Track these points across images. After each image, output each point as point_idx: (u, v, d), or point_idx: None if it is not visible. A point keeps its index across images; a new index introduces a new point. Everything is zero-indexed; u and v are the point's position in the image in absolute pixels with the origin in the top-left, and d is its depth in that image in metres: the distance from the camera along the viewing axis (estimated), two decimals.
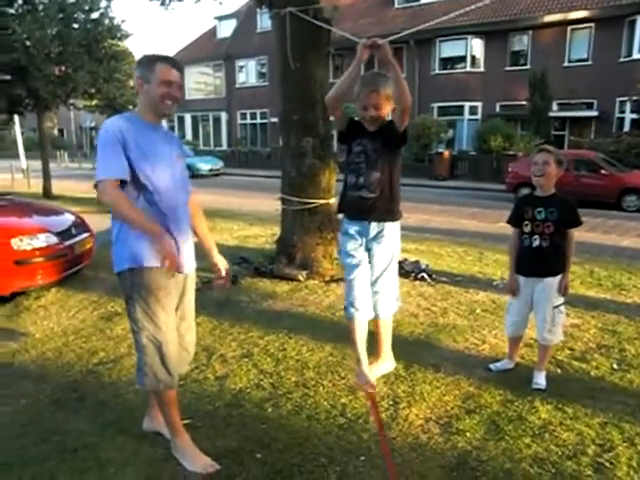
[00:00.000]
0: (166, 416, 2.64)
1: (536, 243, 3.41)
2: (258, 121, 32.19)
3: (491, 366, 3.76)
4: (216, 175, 25.08)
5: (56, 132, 46.42)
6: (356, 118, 2.80)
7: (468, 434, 2.89)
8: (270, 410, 3.13)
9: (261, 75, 31.89)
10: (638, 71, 18.68)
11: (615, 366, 3.81)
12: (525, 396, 3.30)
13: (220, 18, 34.19)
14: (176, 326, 2.62)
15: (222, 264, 2.90)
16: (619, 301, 5.46)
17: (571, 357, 3.97)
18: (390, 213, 2.73)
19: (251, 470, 2.58)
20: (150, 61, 2.54)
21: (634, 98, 19.12)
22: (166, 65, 2.54)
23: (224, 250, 7.50)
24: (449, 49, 24.18)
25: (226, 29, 33.50)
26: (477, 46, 23.73)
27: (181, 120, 35.54)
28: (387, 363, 2.98)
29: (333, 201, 6.16)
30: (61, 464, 2.66)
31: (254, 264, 6.44)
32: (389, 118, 2.73)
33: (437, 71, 24.27)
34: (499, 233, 10.20)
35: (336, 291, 5.55)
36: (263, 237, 8.54)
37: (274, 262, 6.29)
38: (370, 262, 2.76)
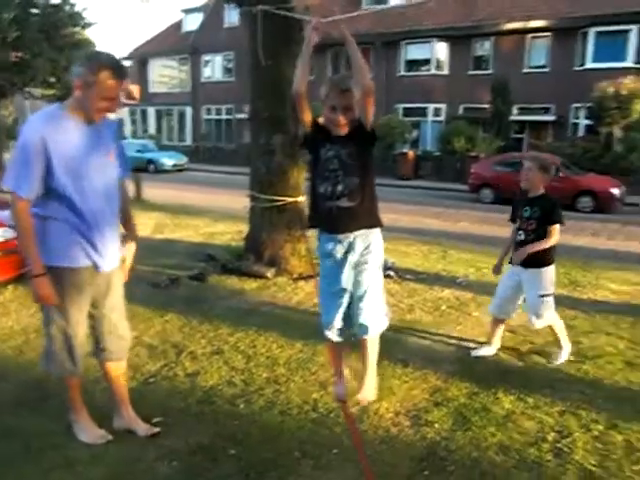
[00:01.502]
0: (69, 396, 2.82)
1: (521, 238, 3.83)
2: (223, 117, 31.91)
3: (472, 353, 4.01)
4: (180, 170, 24.82)
5: (11, 121, 44.94)
6: (320, 119, 2.60)
7: (436, 425, 2.99)
8: (242, 406, 3.15)
9: (227, 70, 31.62)
10: (591, 79, 19.36)
11: (572, 358, 3.99)
12: (489, 388, 3.43)
13: (187, 11, 33.74)
14: (107, 318, 2.72)
15: (128, 256, 2.81)
16: (575, 297, 5.69)
17: (531, 350, 4.13)
18: (374, 220, 2.56)
19: (225, 466, 2.60)
20: (95, 65, 2.36)
21: (588, 105, 19.83)
22: (112, 78, 2.37)
23: (190, 247, 7.59)
24: (415, 52, 24.55)
25: (192, 22, 33.04)
26: (442, 50, 24.17)
27: (144, 113, 34.95)
28: (370, 391, 2.75)
29: (302, 199, 6.21)
30: (27, 465, 2.62)
31: (221, 261, 6.43)
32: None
33: (403, 73, 24.59)
34: (462, 232, 10.46)
35: (304, 288, 5.60)
36: (229, 234, 8.52)
37: (242, 259, 6.30)
38: (355, 283, 2.55)
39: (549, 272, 3.84)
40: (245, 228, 6.64)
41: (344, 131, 2.49)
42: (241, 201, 6.46)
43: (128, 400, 2.92)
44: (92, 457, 2.65)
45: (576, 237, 10.50)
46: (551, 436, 2.93)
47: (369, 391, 2.74)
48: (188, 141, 33.04)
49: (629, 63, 20.06)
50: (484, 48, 23.71)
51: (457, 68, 23.93)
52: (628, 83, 18.38)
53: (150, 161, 24.33)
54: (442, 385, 3.48)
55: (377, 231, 2.58)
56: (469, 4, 23.81)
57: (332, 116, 2.47)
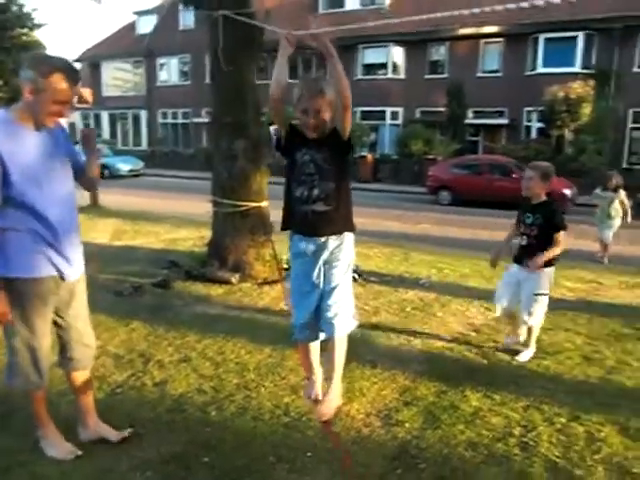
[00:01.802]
0: (35, 411, 2.74)
1: (524, 242, 4.08)
2: (180, 121, 31.55)
3: (506, 341, 4.35)
4: (136, 176, 24.38)
5: None
6: (294, 122, 2.62)
7: (407, 424, 3.04)
8: (214, 413, 3.13)
9: (183, 74, 31.28)
10: (542, 84, 20.06)
11: (533, 355, 4.12)
12: (457, 386, 3.51)
13: (140, 13, 33.19)
14: (73, 327, 2.68)
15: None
16: None
17: (496, 348, 4.25)
18: (348, 224, 2.58)
19: (198, 474, 2.58)
20: (45, 68, 2.29)
21: (539, 109, 20.52)
22: (64, 81, 2.31)
23: (151, 253, 7.48)
24: (371, 56, 24.86)
25: (146, 25, 32.51)
26: (398, 54, 24.57)
27: (97, 118, 34.20)
28: (336, 396, 2.64)
29: (265, 204, 6.21)
30: None
31: (185, 267, 6.36)
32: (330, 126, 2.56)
33: (360, 76, 24.83)
34: (422, 234, 10.65)
35: (270, 293, 5.60)
36: (192, 240, 8.42)
37: (206, 265, 6.24)
38: (325, 279, 2.55)
39: (548, 274, 4.05)
40: (207, 234, 6.59)
41: (315, 134, 2.50)
42: (202, 206, 6.41)
43: (94, 410, 2.86)
44: (62, 473, 2.58)
45: None
46: (517, 431, 3.03)
47: (335, 399, 2.64)
48: (144, 145, 32.51)
49: (577, 68, 20.84)
50: (439, 53, 24.24)
51: (413, 72, 24.36)
52: (576, 88, 19.11)
53: (105, 166, 23.77)
54: (411, 385, 3.54)
55: (350, 235, 2.60)
56: (425, 10, 24.25)
57: (303, 119, 2.48)
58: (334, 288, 2.54)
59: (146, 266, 6.63)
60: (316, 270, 2.55)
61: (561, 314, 5.18)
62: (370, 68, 25.25)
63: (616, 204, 8.61)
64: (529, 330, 4.20)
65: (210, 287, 5.75)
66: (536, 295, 4.05)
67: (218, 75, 5.99)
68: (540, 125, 21.21)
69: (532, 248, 3.95)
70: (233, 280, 5.89)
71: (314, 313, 2.60)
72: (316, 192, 2.48)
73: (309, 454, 2.72)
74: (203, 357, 3.93)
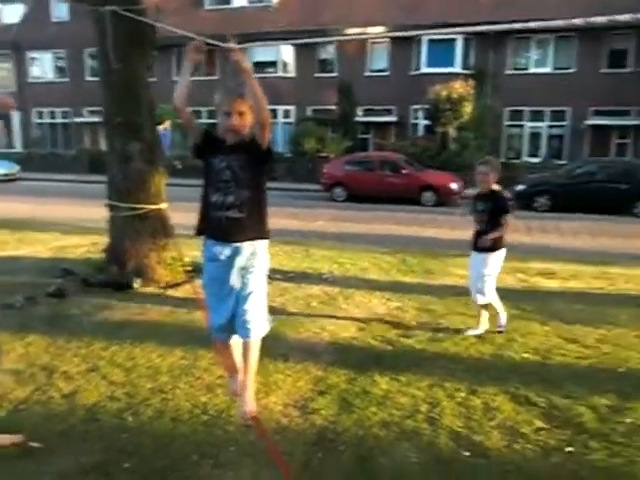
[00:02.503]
0: None
1: (478, 228, 4.60)
2: (59, 120, 29.62)
3: (465, 333, 4.65)
4: (11, 180, 22.57)
5: None
6: (204, 127, 2.61)
7: (323, 412, 3.18)
8: (130, 419, 3.08)
9: (60, 70, 29.31)
10: (426, 83, 21.23)
11: (433, 338, 4.46)
12: (366, 372, 3.72)
13: (3, 1, 30.37)
14: None
15: None
16: (429, 284, 6.29)
17: (398, 335, 4.53)
18: (262, 232, 2.60)
19: None
20: None
21: (425, 107, 21.70)
22: None
23: (40, 263, 7.07)
24: (261, 54, 24.86)
25: (12, 14, 29.63)
26: (287, 52, 24.79)
27: None
28: (252, 395, 2.67)
29: (164, 206, 6.09)
30: None
31: (81, 275, 6.07)
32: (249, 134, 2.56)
33: None
34: (320, 231, 10.91)
35: (175, 296, 5.53)
36: (84, 247, 8.02)
37: (104, 272, 6.01)
38: (241, 284, 2.57)
39: (496, 256, 4.56)
40: (101, 239, 6.36)
41: (235, 138, 2.50)
42: (91, 211, 6.19)
43: None
44: None
45: (424, 229, 11.50)
46: (424, 407, 3.28)
47: (250, 404, 2.65)
48: (18, 147, 30.14)
49: (458, 69, 22.27)
50: (328, 52, 24.80)
51: (304, 70, 24.74)
52: (458, 87, 20.43)
53: None
54: (323, 374, 3.69)
55: (264, 242, 2.63)
56: (310, 9, 24.74)
57: (226, 121, 2.47)
58: (250, 294, 2.56)
59: (36, 276, 6.23)
60: (232, 275, 2.56)
61: (455, 300, 5.60)
62: (260, 66, 25.24)
63: None
64: (491, 307, 4.69)
65: (111, 294, 5.55)
66: (485, 275, 4.55)
67: (108, 74, 5.77)
68: (426, 122, 22.43)
69: (486, 231, 4.49)
70: (135, 285, 5.74)
71: (230, 316, 2.61)
72: (231, 199, 2.49)
73: (232, 449, 2.77)
74: (112, 364, 3.83)
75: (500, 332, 4.66)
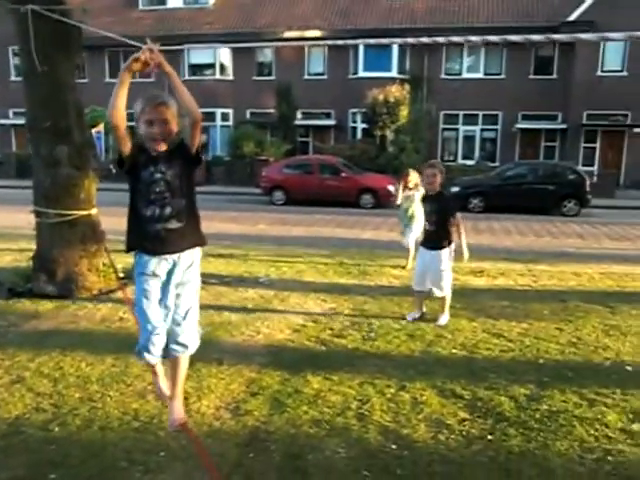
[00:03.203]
0: None
1: (427, 227, 4.95)
2: None
3: (408, 316, 5.08)
4: None
5: None
6: (135, 142, 2.50)
7: (255, 413, 3.22)
8: (57, 429, 3.01)
9: None
10: (364, 87, 21.63)
11: (366, 337, 4.57)
12: (299, 373, 3.78)
13: None
14: None
15: None
16: (365, 285, 6.43)
17: (332, 335, 4.62)
18: (200, 238, 2.60)
19: None
20: None
21: (363, 110, 22.09)
22: None
23: None
24: (198, 56, 24.60)
25: None
26: (225, 55, 24.63)
27: None
28: (180, 413, 2.72)
29: (95, 212, 5.95)
30: None
31: (6, 285, 5.85)
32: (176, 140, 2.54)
33: (187, 77, 24.43)
34: (260, 234, 10.92)
35: (107, 304, 5.41)
36: (10, 255, 7.70)
37: (32, 280, 5.80)
38: (177, 296, 2.55)
39: (445, 253, 4.88)
40: (28, 247, 6.14)
41: (161, 147, 2.45)
42: (16, 218, 5.97)
43: None
44: None
45: (362, 231, 11.70)
46: (354, 404, 3.37)
47: (180, 413, 2.72)
48: None
49: (394, 73, 22.80)
50: (266, 55, 24.84)
51: (242, 73, 24.66)
52: (394, 91, 20.91)
53: None
54: (256, 376, 3.73)
55: (200, 250, 2.62)
56: (247, 11, 24.70)
57: (149, 130, 2.41)
58: (187, 311, 2.57)
59: None
60: (167, 292, 2.53)
61: (389, 299, 5.76)
62: (197, 69, 25.02)
63: (417, 204, 7.40)
64: (443, 300, 5.05)
65: (39, 303, 5.38)
66: (442, 271, 4.89)
67: (32, 76, 5.57)
68: (364, 126, 22.82)
69: (435, 231, 4.86)
70: (64, 293, 5.57)
71: (162, 332, 2.57)
72: (168, 210, 2.45)
73: (162, 454, 2.76)
74: (39, 375, 3.71)
75: (438, 326, 4.93)
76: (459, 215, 4.89)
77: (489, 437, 3.04)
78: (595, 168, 21.60)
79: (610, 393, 3.59)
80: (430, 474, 2.70)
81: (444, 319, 5.03)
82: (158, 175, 2.44)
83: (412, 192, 7.40)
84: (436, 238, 4.90)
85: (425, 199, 5.01)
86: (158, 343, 2.54)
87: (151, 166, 2.44)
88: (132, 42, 2.58)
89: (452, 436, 3.05)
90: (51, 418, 3.14)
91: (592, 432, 3.10)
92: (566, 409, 3.37)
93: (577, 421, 3.22)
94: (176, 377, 2.69)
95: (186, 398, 3.36)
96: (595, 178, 19.39)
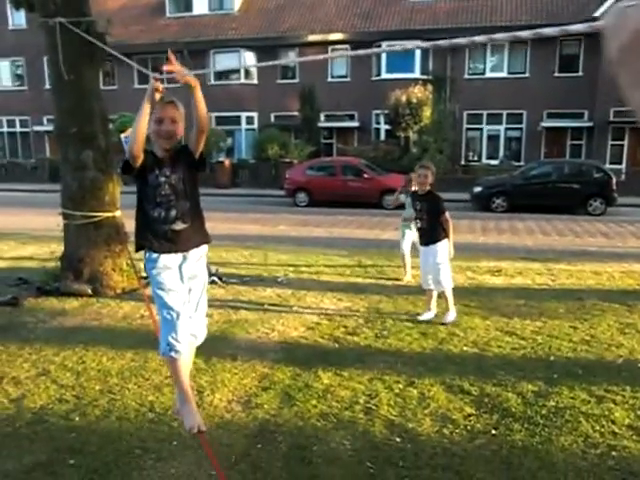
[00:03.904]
0: None
1: (419, 225, 5.14)
2: (18, 129, 29.05)
3: (419, 317, 5.14)
4: None
5: None
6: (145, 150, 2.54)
7: (266, 406, 3.34)
8: (78, 419, 3.18)
9: (18, 77, 28.76)
10: (387, 88, 21.63)
11: (378, 335, 4.65)
12: (310, 368, 3.89)
13: None
14: None
15: None
16: (380, 284, 6.50)
17: (345, 332, 4.72)
18: (205, 236, 2.70)
19: (65, 476, 2.65)
20: None
21: (385, 112, 22.10)
22: None
23: None
24: (223, 61, 24.93)
25: None
26: (250, 59, 24.91)
27: None
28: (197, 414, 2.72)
29: (119, 213, 6.17)
30: None
31: (36, 284, 6.10)
32: (182, 143, 2.60)
33: (213, 82, 24.81)
34: (281, 235, 11.06)
35: (130, 302, 5.61)
36: (40, 256, 8.01)
37: (59, 280, 6.05)
38: (189, 292, 2.65)
39: (441, 246, 5.00)
40: (58, 249, 6.38)
41: (168, 146, 2.53)
42: (49, 221, 6.21)
43: None
44: None
45: (383, 232, 11.75)
46: (362, 399, 3.46)
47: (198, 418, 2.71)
48: None
49: (416, 74, 22.74)
50: (290, 58, 25.00)
51: (266, 77, 24.88)
52: (417, 92, 20.87)
53: None
54: (269, 372, 3.85)
55: (206, 246, 2.72)
56: (270, 16, 24.95)
57: (158, 127, 2.49)
58: (198, 303, 2.69)
59: None
60: (181, 284, 2.62)
61: (404, 298, 5.83)
62: (223, 73, 25.34)
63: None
64: (444, 296, 5.11)
65: (65, 301, 5.61)
66: (438, 264, 4.99)
67: (60, 84, 5.83)
68: (388, 127, 22.81)
69: (427, 228, 5.04)
70: (90, 292, 5.79)
71: (182, 325, 2.62)
72: (174, 213, 2.55)
73: (175, 443, 2.91)
74: (63, 368, 3.91)
75: (444, 324, 4.97)
76: (447, 214, 4.99)
77: (493, 432, 3.10)
78: (623, 166, 21.20)
79: (620, 390, 3.60)
80: (432, 466, 2.77)
81: (450, 316, 5.06)
82: (163, 179, 2.54)
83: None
84: (429, 234, 5.06)
85: (416, 197, 5.16)
86: (183, 329, 2.60)
87: (156, 170, 2.54)
88: (144, 70, 2.58)
89: (456, 430, 3.11)
90: (73, 408, 3.31)
91: (598, 428, 3.13)
92: (573, 405, 3.40)
93: (583, 417, 3.25)
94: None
95: (200, 391, 3.52)
96: (623, 176, 19.05)
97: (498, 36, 1.64)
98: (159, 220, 2.55)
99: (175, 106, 2.53)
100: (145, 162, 2.53)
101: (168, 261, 2.59)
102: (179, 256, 2.61)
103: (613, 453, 2.89)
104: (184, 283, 2.64)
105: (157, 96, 2.43)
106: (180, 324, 2.59)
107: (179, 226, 2.56)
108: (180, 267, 2.62)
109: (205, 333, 2.82)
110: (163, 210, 2.54)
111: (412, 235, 6.66)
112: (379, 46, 22.93)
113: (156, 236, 2.57)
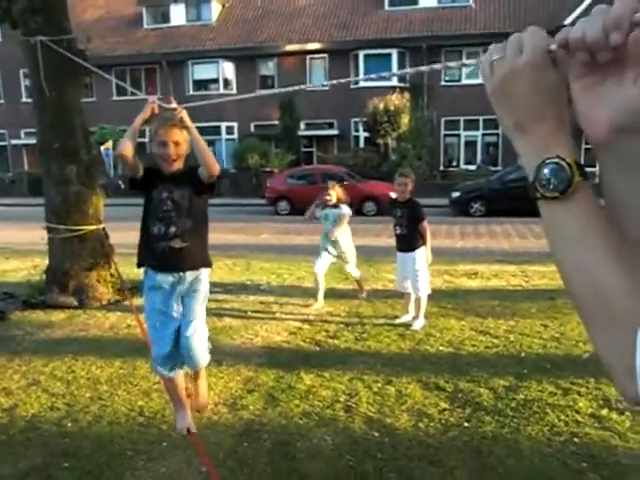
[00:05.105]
0: None
1: (398, 231, 5.20)
2: None
3: (397, 320, 5.29)
4: None
5: None
6: (145, 165, 2.68)
7: (251, 407, 3.50)
8: (70, 425, 3.31)
9: None
10: (365, 97, 21.98)
11: (358, 337, 4.84)
12: (293, 370, 4.06)
13: None
14: None
15: None
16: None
17: (327, 336, 4.90)
18: (205, 260, 2.72)
19: (60, 479, 2.78)
20: None
21: (364, 119, 22.44)
22: None
23: None
24: (202, 71, 25.11)
25: None
26: (228, 69, 25.13)
27: None
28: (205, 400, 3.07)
29: (102, 226, 6.28)
30: None
31: (22, 297, 6.19)
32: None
33: (191, 92, 24.95)
34: (263, 244, 11.21)
35: (116, 312, 5.72)
36: (24, 270, 8.03)
37: (45, 293, 6.14)
38: (183, 311, 2.68)
39: (420, 253, 5.11)
40: (41, 262, 6.48)
41: (173, 167, 2.60)
42: (30, 235, 6.31)
43: None
44: None
45: (363, 238, 11.92)
46: (343, 398, 3.64)
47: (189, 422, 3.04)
48: None
49: (394, 82, 23.11)
50: (268, 68, 25.28)
51: (245, 87, 25.05)
52: (394, 100, 21.24)
53: None
54: (253, 375, 4.01)
55: (206, 271, 2.78)
56: (248, 27, 25.19)
57: (162, 151, 2.56)
58: (192, 321, 2.70)
59: None
60: (174, 303, 2.68)
61: (382, 302, 6.03)
62: (201, 84, 25.49)
63: (342, 224, 6.30)
64: (418, 303, 5.19)
65: (52, 313, 5.71)
66: (417, 271, 5.07)
67: (41, 100, 5.95)
68: (367, 135, 23.15)
69: (406, 235, 5.14)
70: (76, 303, 5.90)
71: (173, 345, 2.73)
72: (173, 229, 2.57)
73: (165, 444, 3.05)
74: (53, 378, 4.02)
75: (412, 331, 5.07)
76: (426, 222, 5.12)
77: (466, 424, 3.29)
78: (597, 169, 21.70)
79: (585, 383, 3.82)
80: (409, 457, 2.96)
81: (418, 324, 5.12)
82: (165, 194, 2.59)
83: (329, 210, 6.28)
84: (409, 240, 5.15)
85: (395, 205, 5.26)
86: (168, 354, 2.71)
87: (160, 185, 2.60)
88: (158, 102, 2.67)
89: (431, 424, 3.30)
90: (64, 415, 3.44)
91: (563, 418, 3.35)
92: (541, 398, 3.61)
93: (550, 408, 3.47)
94: (198, 389, 3.08)
95: (188, 396, 3.66)
96: (597, 179, 19.50)
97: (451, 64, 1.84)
98: (158, 237, 2.59)
99: (179, 129, 2.60)
100: (151, 178, 2.61)
101: (162, 280, 2.63)
102: (174, 275, 2.64)
103: (575, 440, 3.10)
104: (176, 304, 2.68)
105: (151, 118, 2.54)
106: (168, 346, 2.69)
107: (177, 244, 2.58)
108: (174, 287, 2.66)
109: (207, 357, 2.92)
110: (163, 226, 2.58)
111: (329, 258, 6.03)
112: (356, 55, 23.34)
113: (154, 254, 2.62)
